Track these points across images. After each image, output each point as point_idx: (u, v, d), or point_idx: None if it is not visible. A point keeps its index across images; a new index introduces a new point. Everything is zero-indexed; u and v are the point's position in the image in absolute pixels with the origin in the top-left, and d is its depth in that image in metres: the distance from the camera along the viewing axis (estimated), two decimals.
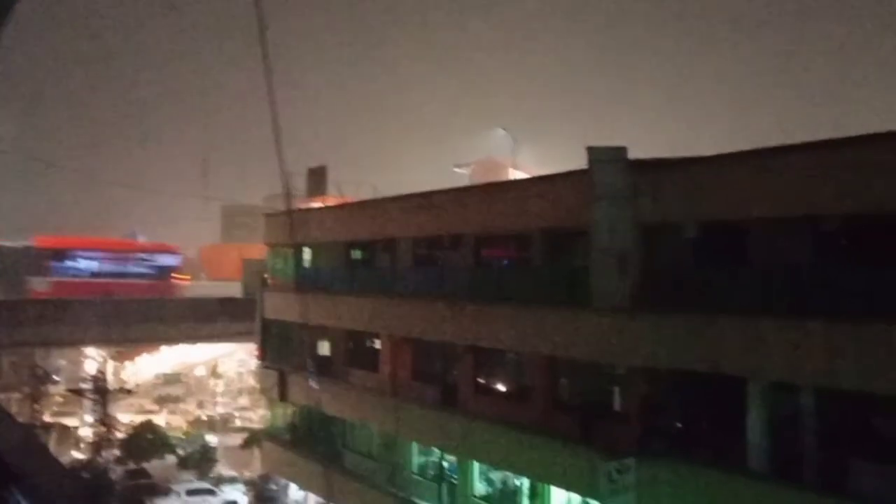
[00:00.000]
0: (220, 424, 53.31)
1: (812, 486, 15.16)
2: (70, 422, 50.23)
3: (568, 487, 20.34)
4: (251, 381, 48.88)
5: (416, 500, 25.18)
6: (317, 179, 36.18)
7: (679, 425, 18.34)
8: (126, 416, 51.01)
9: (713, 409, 17.59)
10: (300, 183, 50.47)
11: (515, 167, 51.06)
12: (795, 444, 15.85)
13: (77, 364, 68.81)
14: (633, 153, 19.00)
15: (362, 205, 30.75)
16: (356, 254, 30.79)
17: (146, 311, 43.94)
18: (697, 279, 17.79)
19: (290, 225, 34.03)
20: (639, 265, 18.47)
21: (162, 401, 62.45)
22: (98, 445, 34.13)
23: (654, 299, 18.08)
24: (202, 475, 42.26)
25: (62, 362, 70.25)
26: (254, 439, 42.21)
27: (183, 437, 49.49)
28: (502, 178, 42.30)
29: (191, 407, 60.82)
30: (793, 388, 15.81)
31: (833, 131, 16.59)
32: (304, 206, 39.20)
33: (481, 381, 24.10)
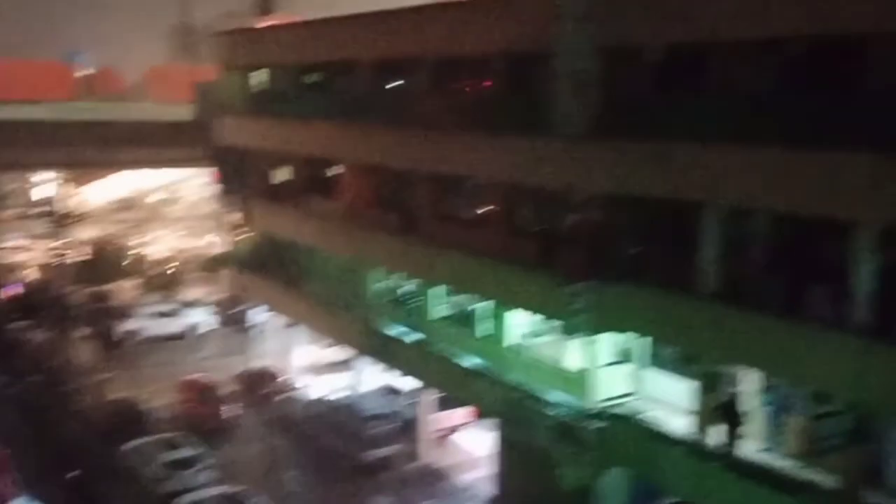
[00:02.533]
0: (181, 249, 53.46)
1: (757, 308, 15.74)
2: (25, 247, 49.92)
3: (528, 309, 20.99)
4: (210, 207, 48.51)
5: (378, 323, 25.85)
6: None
7: (634, 251, 18.70)
8: (83, 241, 50.79)
9: (668, 236, 17.91)
10: (250, 1, 48.04)
11: None
12: (745, 268, 16.31)
13: (26, 190, 67.67)
14: None
15: (318, 24, 29.36)
16: (313, 77, 29.79)
17: (90, 134, 42.62)
18: (658, 105, 17.57)
19: (242, 44, 32.63)
20: (600, 91, 18.11)
21: (120, 226, 62.11)
22: (53, 268, 34.05)
23: (615, 125, 17.88)
24: (166, 298, 42.79)
25: (11, 187, 69.01)
26: (217, 263, 42.48)
27: (143, 261, 49.64)
28: None
29: (150, 230, 60.65)
30: (746, 213, 16.06)
31: None
32: (259, 25, 37.38)
33: (442, 208, 24.15)
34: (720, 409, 16.98)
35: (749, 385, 17.17)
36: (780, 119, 15.22)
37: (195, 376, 30.55)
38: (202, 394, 28.98)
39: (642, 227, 18.42)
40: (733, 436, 16.77)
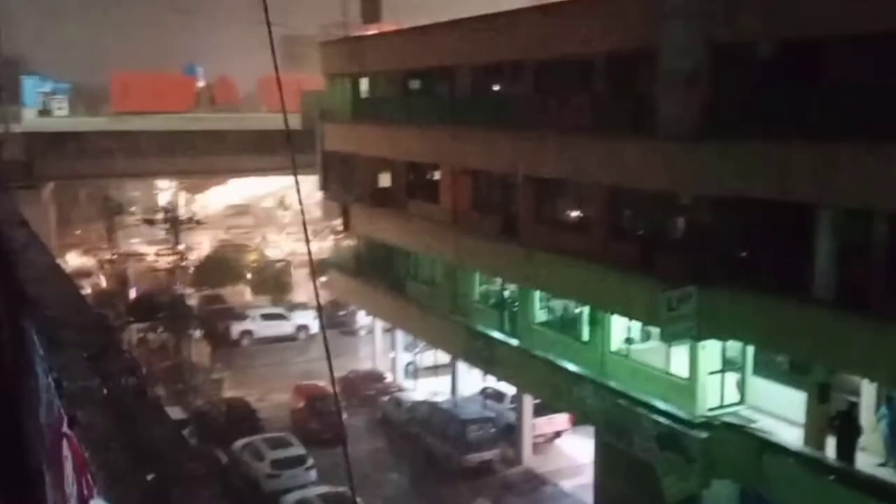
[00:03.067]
0: (291, 253, 55.01)
1: (877, 314, 14.90)
2: (146, 250, 52.43)
3: (628, 315, 20.54)
4: (317, 213, 49.80)
5: (479, 327, 25.85)
6: (371, 5, 34.94)
7: (744, 254, 18.05)
8: (200, 245, 52.98)
9: (780, 238, 17.20)
10: (356, 10, 49.02)
11: None
12: (864, 272, 15.48)
13: (150, 196, 71.10)
14: None
15: (419, 31, 29.73)
16: (415, 83, 30.15)
17: (209, 143, 44.49)
18: (770, 102, 16.89)
19: (349, 52, 33.35)
20: (709, 88, 17.56)
21: (233, 230, 64.49)
22: (172, 272, 35.62)
23: (724, 124, 17.30)
24: (275, 301, 44.12)
25: (136, 194, 72.68)
26: (322, 268, 43.50)
27: (255, 265, 51.32)
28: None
29: (262, 237, 62.72)
30: (865, 215, 15.24)
31: None
32: (361, 33, 38.15)
33: (543, 212, 23.97)
34: (836, 420, 16.16)
35: (865, 396, 16.28)
36: None
37: (309, 384, 30.21)
38: (316, 403, 28.22)
39: (751, 229, 17.76)
40: (849, 448, 15.93)
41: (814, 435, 16.53)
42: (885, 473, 15.79)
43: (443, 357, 29.75)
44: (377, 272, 31.79)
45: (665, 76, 17.74)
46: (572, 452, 25.54)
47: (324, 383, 29.26)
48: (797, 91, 16.47)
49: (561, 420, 26.33)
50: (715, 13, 17.29)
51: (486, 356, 25.23)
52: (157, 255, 43.16)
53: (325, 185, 35.81)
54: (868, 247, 15.48)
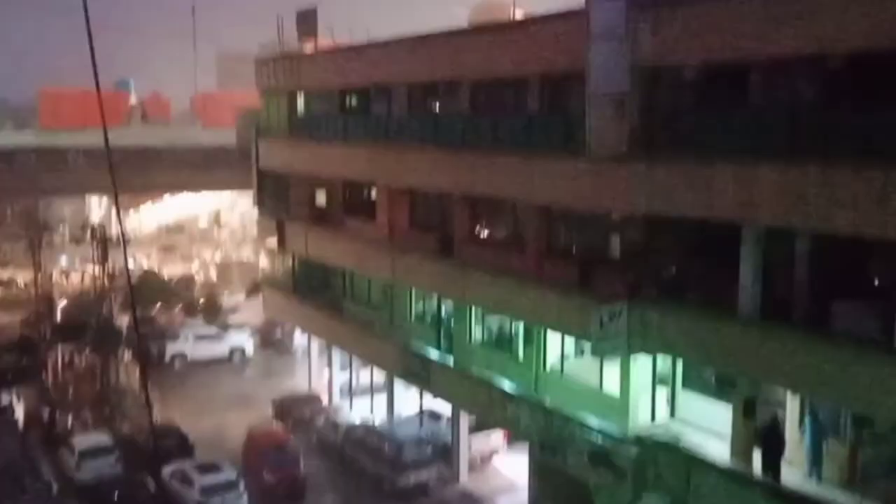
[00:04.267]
0: (225, 273, 54.16)
1: (799, 328, 15.32)
2: (74, 269, 50.99)
3: (562, 331, 20.76)
4: (254, 231, 49.24)
5: (415, 345, 25.79)
6: (307, 23, 34.70)
7: (673, 272, 18.41)
8: (130, 262, 51.76)
9: (707, 256, 17.60)
10: (292, 27, 48.70)
11: (516, 6, 49.02)
12: (787, 288, 15.93)
13: (80, 213, 69.29)
14: None
15: (355, 49, 29.72)
16: (351, 101, 30.08)
17: (140, 159, 43.67)
18: (695, 123, 17.33)
19: (283, 69, 33.12)
20: (636, 110, 17.94)
21: (166, 250, 63.23)
22: (101, 292, 34.66)
23: (652, 145, 17.68)
24: (208, 321, 43.30)
25: (66, 211, 70.75)
26: (257, 287, 42.93)
27: (187, 284, 50.35)
28: (503, 18, 40.60)
29: (195, 256, 61.63)
30: (787, 232, 15.69)
31: None
32: (298, 51, 37.92)
33: (478, 229, 24.09)
34: (760, 433, 16.53)
35: (790, 409, 16.71)
36: (820, 137, 14.90)
37: (264, 429, 27.56)
38: (270, 454, 25.22)
39: (680, 247, 18.15)
40: (774, 462, 16.30)
41: (740, 448, 16.87)
42: (808, 485, 16.19)
43: (379, 376, 29.56)
44: (313, 290, 31.48)
45: (594, 97, 18.04)
46: (509, 470, 25.57)
47: (279, 429, 28.18)
48: (721, 113, 16.92)
49: (497, 438, 26.37)
50: (641, 37, 17.68)
51: (422, 374, 25.17)
52: (85, 274, 42.03)
53: (260, 203, 35.42)
54: (791, 263, 15.95)
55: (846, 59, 14.70)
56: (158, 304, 45.04)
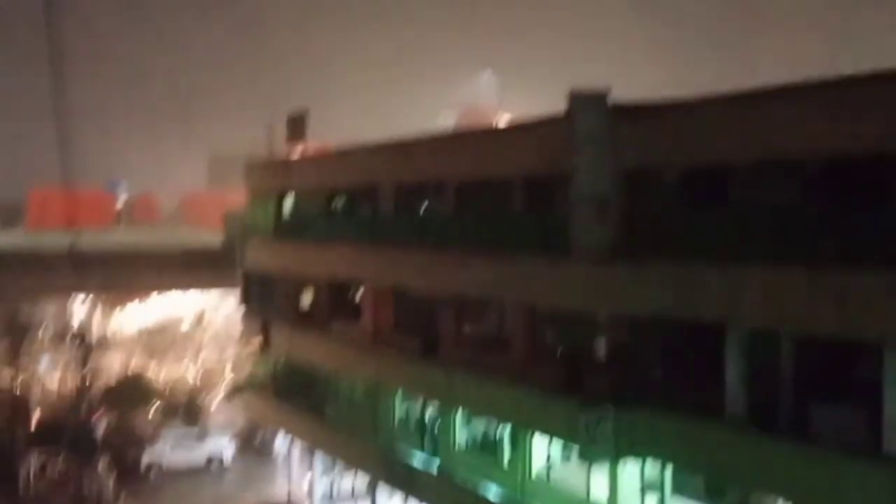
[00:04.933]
0: (207, 375, 53.27)
1: (787, 434, 15.04)
2: (52, 372, 49.96)
3: (549, 434, 20.34)
4: (237, 333, 48.73)
5: (399, 449, 25.18)
6: (297, 126, 35.38)
7: (659, 373, 18.18)
8: (111, 367, 50.88)
9: (693, 357, 17.43)
10: (283, 129, 49.69)
11: (501, 110, 50.41)
12: (773, 392, 15.71)
13: (64, 313, 68.48)
14: (621, 92, 18.53)
15: (344, 152, 30.23)
16: (338, 202, 30.34)
17: (127, 259, 43.56)
18: (678, 225, 17.47)
19: (272, 173, 33.53)
20: (620, 211, 18.11)
21: (148, 352, 62.26)
22: (78, 396, 33.91)
23: (635, 246, 17.76)
24: (188, 425, 42.26)
25: (49, 310, 69.87)
26: (239, 390, 42.19)
27: (168, 387, 49.38)
28: (489, 121, 41.68)
29: (177, 358, 60.68)
30: (772, 335, 15.60)
31: (828, 70, 16.08)
32: (287, 154, 38.55)
33: (463, 330, 23.90)
34: None
35: None
36: (802, 239, 15.01)
37: None
38: None
39: (667, 349, 17.98)
40: None
41: None
42: None
43: (363, 480, 28.75)
44: (297, 393, 30.94)
45: (578, 199, 18.25)
46: None
47: None
48: (704, 215, 17.09)
49: None
50: (624, 141, 18.03)
51: (406, 479, 24.48)
52: (64, 377, 41.22)
53: (245, 302, 35.21)
54: (777, 365, 15.78)
55: (825, 162, 14.97)
56: (139, 408, 44.01)
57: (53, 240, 45.89)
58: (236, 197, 42.65)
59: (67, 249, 42.97)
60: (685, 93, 18.16)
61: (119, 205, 60.17)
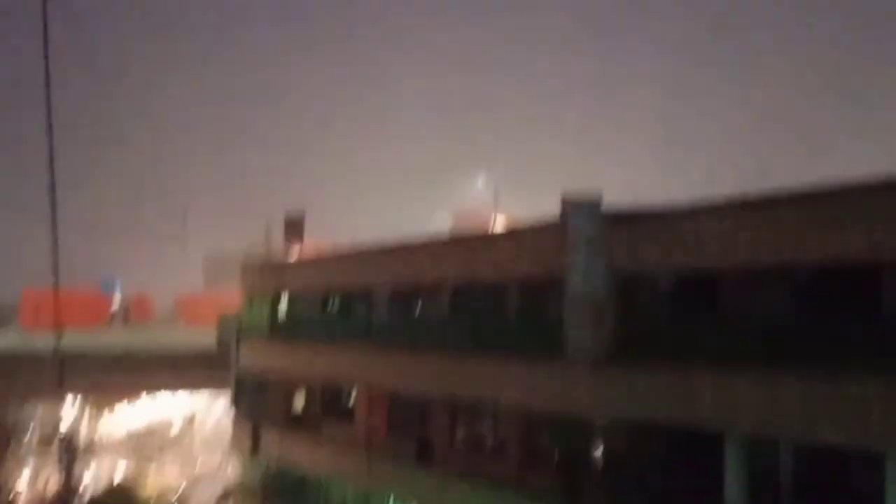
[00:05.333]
0: (196, 481, 52.05)
1: None
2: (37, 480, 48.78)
3: None
4: (227, 436, 47.88)
5: None
6: (294, 228, 35.94)
7: (658, 480, 17.87)
8: (99, 473, 49.71)
9: (691, 463, 17.17)
10: (280, 229, 50.21)
11: (497, 213, 51.11)
12: (773, 499, 15.45)
13: (52, 415, 67.32)
14: (615, 196, 18.97)
15: (340, 254, 30.49)
16: (334, 304, 30.38)
17: (120, 360, 43.19)
18: (673, 330, 17.52)
19: (267, 275, 33.69)
20: (614, 316, 18.19)
21: (137, 456, 60.96)
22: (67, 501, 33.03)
23: (630, 350, 17.76)
24: None
25: (37, 413, 68.72)
26: (228, 495, 41.17)
27: (156, 496, 48.16)
28: (484, 225, 42.20)
29: (167, 464, 59.39)
30: (770, 443, 15.45)
31: (816, 177, 16.47)
32: (283, 255, 38.86)
33: (457, 434, 23.58)
34: None
35: None
36: (798, 345, 15.05)
37: None
38: None
39: (666, 455, 17.73)
40: None
41: None
42: None
43: None
44: (287, 498, 30.21)
45: (572, 303, 18.36)
46: None
47: None
48: (697, 319, 17.16)
49: None
50: (618, 246, 18.28)
51: None
52: (50, 483, 40.18)
53: (236, 404, 34.78)
54: (777, 475, 15.56)
55: (815, 269, 15.15)
56: None
57: (44, 341, 45.60)
58: (232, 298, 42.70)
59: (53, 351, 42.70)
60: (677, 197, 18.58)
61: (114, 305, 60.08)
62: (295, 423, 30.36)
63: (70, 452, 32.75)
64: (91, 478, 42.80)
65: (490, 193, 55.45)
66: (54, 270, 30.83)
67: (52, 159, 29.28)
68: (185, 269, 71.23)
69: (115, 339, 48.29)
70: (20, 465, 51.31)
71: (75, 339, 44.91)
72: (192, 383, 45.08)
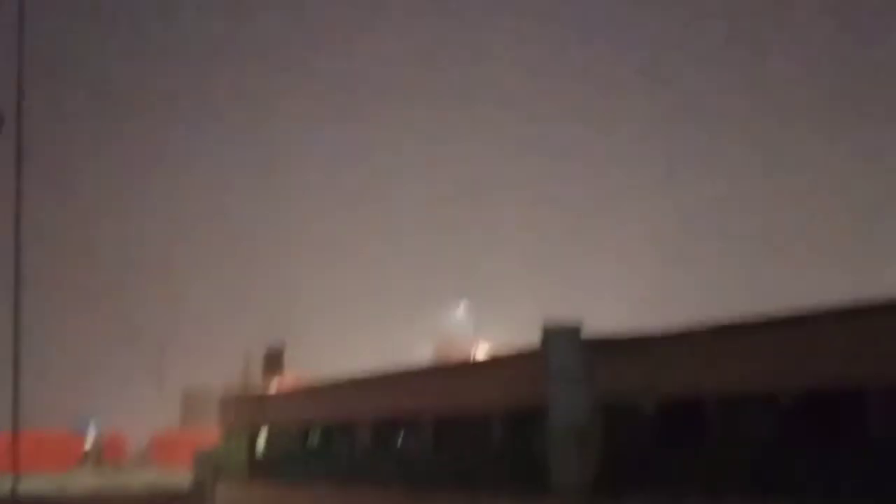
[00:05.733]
0: None
1: None
2: None
3: None
4: None
5: None
6: (274, 361, 35.53)
7: None
8: None
9: None
10: (259, 363, 49.61)
11: (478, 341, 51.00)
12: None
13: None
14: (597, 322, 18.93)
15: (320, 386, 30.07)
16: (314, 438, 29.70)
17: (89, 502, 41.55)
18: (659, 458, 17.18)
19: (247, 410, 33.05)
20: (598, 445, 17.85)
21: None
22: None
23: (616, 481, 17.34)
24: None
25: None
26: None
27: None
28: (465, 353, 41.95)
29: None
30: None
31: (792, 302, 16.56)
32: (264, 388, 38.26)
33: None
34: None
35: None
36: (787, 472, 14.79)
37: None
38: None
39: None
40: None
41: None
42: None
43: None
44: None
45: (556, 433, 18.05)
46: None
47: None
48: (681, 448, 16.88)
49: None
50: (599, 374, 18.15)
51: None
52: None
53: None
54: None
55: (800, 396, 15.05)
56: None
57: (4, 485, 43.92)
58: (209, 435, 41.66)
59: (11, 495, 41.11)
60: (658, 324, 18.55)
61: (87, 445, 58.43)
62: None
63: None
64: None
65: (471, 322, 55.50)
66: (14, 409, 29.91)
67: (17, 293, 29.01)
68: (162, 404, 69.72)
69: (85, 480, 46.56)
70: None
71: (40, 482, 43.30)
72: None
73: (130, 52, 77.55)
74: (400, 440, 25.63)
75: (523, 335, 21.50)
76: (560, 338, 18.66)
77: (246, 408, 33.47)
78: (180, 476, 44.94)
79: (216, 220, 76.99)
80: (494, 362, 22.53)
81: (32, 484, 43.37)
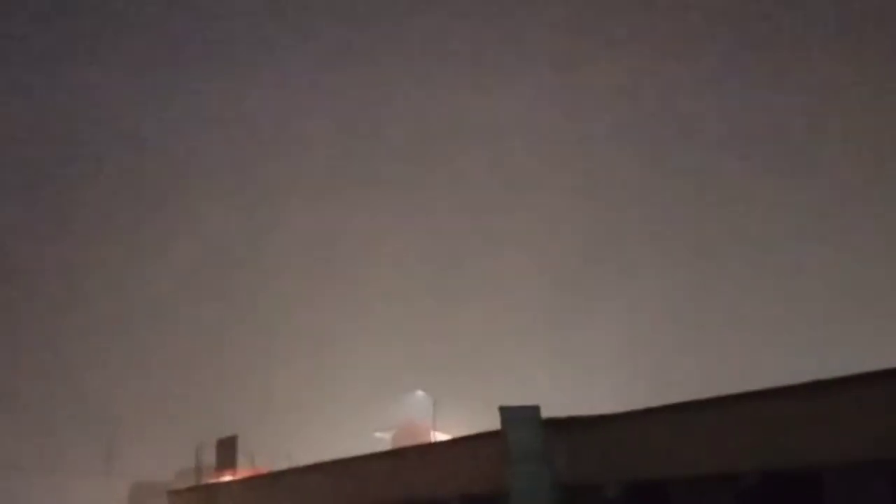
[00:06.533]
0: None
1: None
2: None
3: None
4: None
5: None
6: (227, 451, 34.47)
7: None
8: None
9: None
10: (212, 455, 48.16)
11: (436, 430, 50.38)
12: None
13: None
14: (555, 408, 18.79)
15: (276, 476, 29.22)
16: None
17: None
18: None
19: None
20: None
21: None
22: None
23: None
24: None
25: None
26: None
27: None
28: (424, 441, 41.25)
29: None
30: None
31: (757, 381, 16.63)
32: (216, 480, 37.05)
33: None
34: None
35: None
36: None
37: None
38: None
39: None
40: None
41: None
42: None
43: None
44: None
45: None
46: None
47: None
48: None
49: None
50: (559, 457, 17.97)
51: None
52: None
53: None
54: None
55: (762, 472, 15.01)
56: None
57: None
58: None
59: None
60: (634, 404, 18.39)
61: None
62: None
63: None
64: None
65: (429, 410, 54.88)
66: None
67: None
68: (111, 497, 67.06)
69: None
70: None
71: None
72: None
73: None
74: None
75: (482, 426, 21.32)
76: (518, 418, 18.48)
77: (197, 499, 32.31)
78: None
79: (167, 308, 75.78)
80: (453, 445, 22.12)
81: None
